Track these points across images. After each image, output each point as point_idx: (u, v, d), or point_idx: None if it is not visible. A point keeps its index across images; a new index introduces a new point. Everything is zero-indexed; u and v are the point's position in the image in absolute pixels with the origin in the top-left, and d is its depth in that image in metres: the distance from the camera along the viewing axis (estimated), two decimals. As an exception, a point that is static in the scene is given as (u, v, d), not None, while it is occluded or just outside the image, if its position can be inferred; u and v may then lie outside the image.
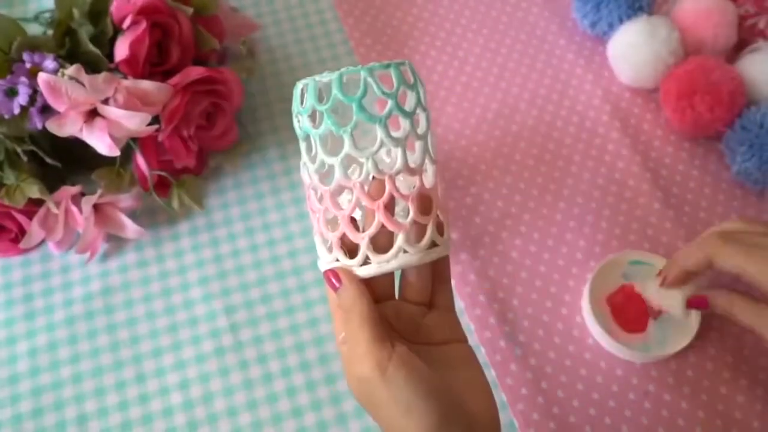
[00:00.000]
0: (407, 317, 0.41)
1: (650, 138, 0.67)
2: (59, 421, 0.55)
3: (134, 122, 0.54)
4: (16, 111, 0.55)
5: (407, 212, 0.39)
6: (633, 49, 0.66)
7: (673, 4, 0.70)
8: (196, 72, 0.58)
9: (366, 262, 0.39)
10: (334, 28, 0.74)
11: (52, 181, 0.59)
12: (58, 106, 0.53)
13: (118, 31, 0.58)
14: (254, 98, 0.70)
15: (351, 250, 0.40)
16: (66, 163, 0.60)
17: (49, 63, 0.55)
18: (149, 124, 0.55)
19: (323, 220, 0.40)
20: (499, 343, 0.57)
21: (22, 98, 0.54)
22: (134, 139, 0.58)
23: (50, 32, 0.59)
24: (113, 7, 0.58)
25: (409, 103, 0.40)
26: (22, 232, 0.60)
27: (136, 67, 0.58)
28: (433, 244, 0.40)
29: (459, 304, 0.59)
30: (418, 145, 0.40)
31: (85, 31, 0.58)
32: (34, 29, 0.64)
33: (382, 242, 0.39)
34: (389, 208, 0.39)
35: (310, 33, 0.74)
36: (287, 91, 0.70)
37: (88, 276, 0.61)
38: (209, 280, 0.60)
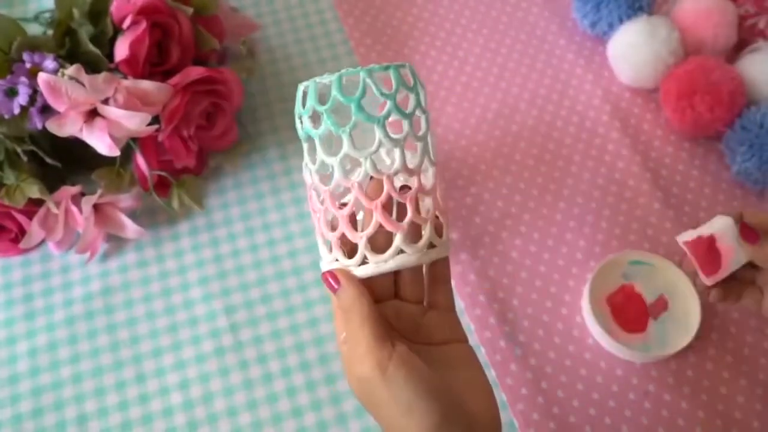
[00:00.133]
0: (407, 317, 0.41)
1: (650, 138, 0.67)
2: (59, 421, 0.55)
3: (134, 122, 0.54)
4: (16, 111, 0.55)
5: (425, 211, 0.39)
6: (633, 49, 0.66)
7: (673, 4, 0.70)
8: (196, 72, 0.58)
9: (364, 261, 0.39)
10: (334, 28, 0.74)
11: (52, 181, 0.59)
12: (58, 106, 0.53)
13: (118, 31, 0.58)
14: (254, 98, 0.70)
15: (350, 251, 0.40)
16: (66, 163, 0.60)
17: (49, 63, 0.55)
18: (149, 124, 0.55)
19: (324, 221, 0.40)
20: (499, 343, 0.57)
21: (22, 98, 0.54)
22: (134, 139, 0.58)
23: (50, 32, 0.59)
24: (113, 7, 0.58)
25: (409, 104, 0.40)
26: (22, 232, 0.60)
27: (136, 67, 0.58)
28: (432, 245, 0.40)
29: (459, 304, 0.59)
30: (417, 146, 0.40)
31: (85, 31, 0.58)
32: (34, 29, 0.64)
33: (380, 242, 0.39)
34: (387, 207, 0.39)
35: (310, 33, 0.74)
36: (287, 91, 0.70)
37: (88, 276, 0.61)
38: (209, 280, 0.60)
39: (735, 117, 0.63)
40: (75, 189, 0.59)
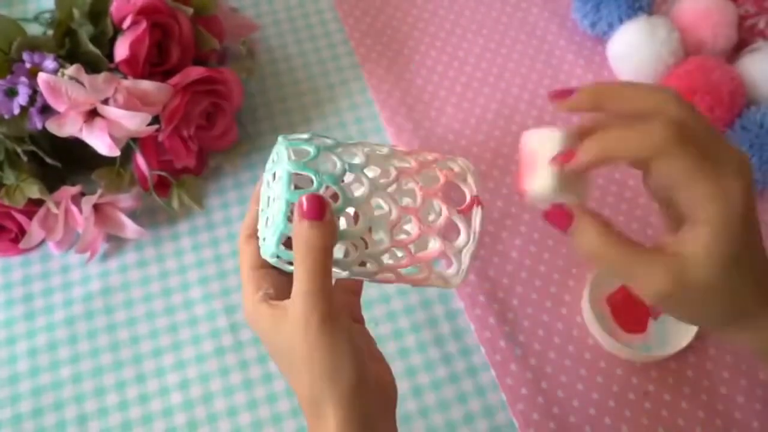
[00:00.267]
0: None
1: (650, 138, 0.67)
2: (59, 421, 0.55)
3: (134, 122, 0.54)
4: (16, 111, 0.55)
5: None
6: (633, 49, 0.66)
7: (673, 4, 0.70)
8: (196, 72, 0.58)
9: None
10: (334, 28, 0.74)
11: (52, 181, 0.59)
12: (58, 106, 0.53)
13: (118, 31, 0.58)
14: (254, 98, 0.70)
15: None
16: (66, 163, 0.60)
17: (49, 63, 0.55)
18: (149, 124, 0.55)
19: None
20: (499, 343, 0.57)
21: (22, 98, 0.54)
22: (134, 139, 0.58)
23: (50, 32, 0.59)
24: (113, 7, 0.58)
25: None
26: (22, 232, 0.60)
27: (136, 67, 0.58)
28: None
29: (459, 304, 0.59)
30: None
31: (85, 31, 0.58)
32: (34, 29, 0.64)
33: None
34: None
35: (310, 33, 0.74)
36: (287, 91, 0.70)
37: (88, 276, 0.61)
38: (209, 280, 0.60)
39: (735, 117, 0.63)
40: (75, 189, 0.59)
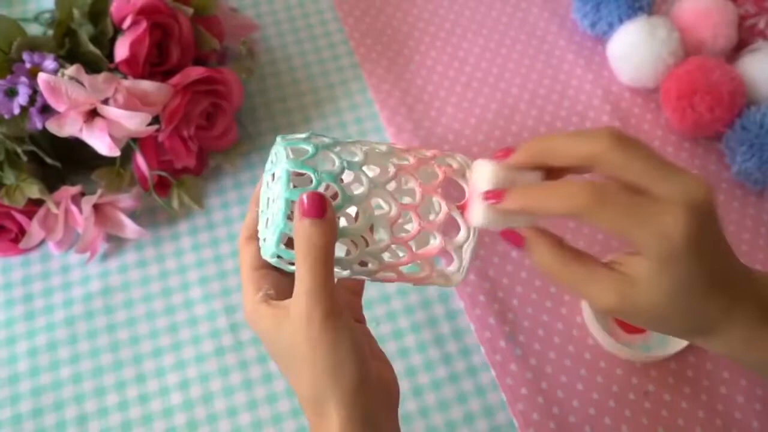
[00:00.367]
0: None
1: (650, 138, 0.67)
2: (59, 421, 0.55)
3: (134, 122, 0.54)
4: (16, 111, 0.55)
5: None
6: (633, 49, 0.66)
7: (673, 4, 0.70)
8: (196, 72, 0.59)
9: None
10: (334, 28, 0.74)
11: (52, 181, 0.59)
12: (58, 106, 0.53)
13: (118, 31, 0.58)
14: (254, 98, 0.70)
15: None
16: (66, 163, 0.60)
17: (49, 63, 0.55)
18: (149, 124, 0.55)
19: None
20: (499, 343, 0.57)
21: (22, 98, 0.54)
22: (134, 139, 0.58)
23: (50, 32, 0.59)
24: (113, 8, 0.58)
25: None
26: (22, 232, 0.60)
27: (136, 67, 0.58)
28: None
29: (459, 304, 0.59)
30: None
31: (85, 32, 0.58)
32: (34, 29, 0.64)
33: None
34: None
35: (310, 33, 0.74)
36: (287, 91, 0.70)
37: (88, 276, 0.61)
38: (209, 280, 0.60)
39: (735, 117, 0.63)
40: (75, 189, 0.59)
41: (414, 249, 0.39)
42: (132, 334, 0.58)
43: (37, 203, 0.59)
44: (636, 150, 0.33)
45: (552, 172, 0.36)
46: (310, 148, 0.37)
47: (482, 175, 0.36)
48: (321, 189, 0.37)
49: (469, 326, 0.58)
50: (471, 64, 0.72)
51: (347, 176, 0.39)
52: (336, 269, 0.38)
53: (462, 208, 0.39)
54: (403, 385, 0.55)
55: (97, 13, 0.59)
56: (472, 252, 0.39)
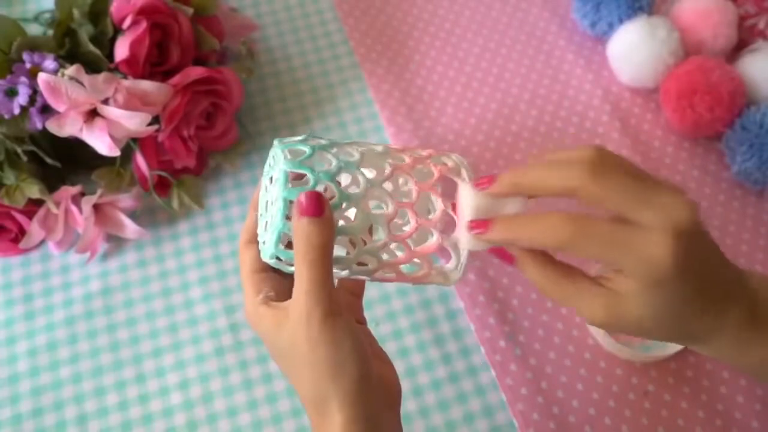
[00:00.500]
0: None
1: (650, 138, 0.67)
2: (59, 421, 0.55)
3: (134, 122, 0.54)
4: (16, 111, 0.55)
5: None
6: (633, 49, 0.66)
7: (673, 4, 0.70)
8: (196, 72, 0.59)
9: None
10: (334, 28, 0.74)
11: (52, 181, 0.59)
12: (58, 106, 0.53)
13: (118, 31, 0.58)
14: (254, 98, 0.70)
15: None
16: (66, 163, 0.60)
17: (49, 63, 0.55)
18: (149, 124, 0.55)
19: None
20: (498, 343, 0.57)
21: (22, 98, 0.54)
22: (134, 139, 0.59)
23: (50, 32, 0.59)
24: (113, 8, 0.58)
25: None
26: (22, 232, 0.60)
27: (136, 67, 0.58)
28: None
29: (459, 304, 0.59)
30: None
31: (85, 32, 0.58)
32: (34, 29, 0.64)
33: None
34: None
35: (310, 33, 0.74)
36: (287, 91, 0.70)
37: (88, 276, 0.61)
38: (209, 280, 0.60)
39: (735, 117, 0.63)
40: (75, 189, 0.59)
41: (412, 247, 0.39)
42: (132, 334, 0.58)
43: (37, 203, 0.59)
44: (613, 179, 0.33)
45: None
46: (306, 149, 0.38)
47: (466, 202, 0.37)
48: (319, 188, 0.37)
49: (469, 326, 0.58)
50: (471, 64, 0.72)
51: (344, 177, 0.39)
52: (335, 269, 0.38)
53: (456, 206, 0.39)
54: (404, 385, 0.55)
55: (97, 13, 0.59)
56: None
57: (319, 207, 0.36)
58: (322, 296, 0.35)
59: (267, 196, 0.40)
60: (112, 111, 0.53)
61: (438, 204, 0.39)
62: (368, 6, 0.75)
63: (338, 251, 0.39)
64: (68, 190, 0.59)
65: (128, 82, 0.55)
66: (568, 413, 0.54)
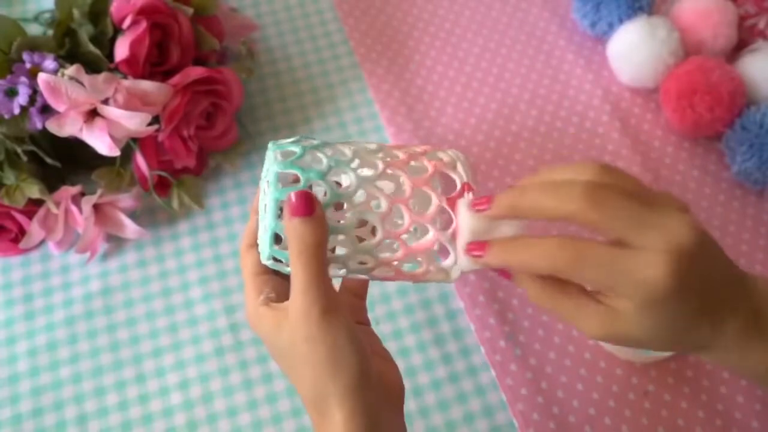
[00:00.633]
0: None
1: (650, 138, 0.67)
2: (59, 421, 0.55)
3: (134, 122, 0.54)
4: (16, 111, 0.55)
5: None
6: (633, 49, 0.66)
7: (673, 4, 0.70)
8: (196, 72, 0.59)
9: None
10: (334, 28, 0.74)
11: (52, 181, 0.59)
12: (58, 106, 0.53)
13: (118, 31, 0.58)
14: (254, 98, 0.70)
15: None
16: (66, 163, 0.60)
17: (49, 63, 0.55)
18: (149, 124, 0.55)
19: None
20: (498, 343, 0.57)
21: (22, 98, 0.54)
22: (134, 139, 0.58)
23: (50, 32, 0.59)
24: (113, 7, 0.58)
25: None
26: (22, 232, 0.60)
27: (136, 67, 0.58)
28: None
29: (459, 304, 0.59)
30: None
31: (85, 31, 0.58)
32: (34, 29, 0.64)
33: None
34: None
35: (310, 33, 0.74)
36: (287, 91, 0.70)
37: (88, 276, 0.61)
38: (209, 280, 0.60)
39: (735, 117, 0.63)
40: (75, 189, 0.59)
41: (408, 244, 0.39)
42: (132, 334, 0.58)
43: (37, 203, 0.59)
44: (610, 203, 0.33)
45: None
46: (298, 150, 0.38)
47: (463, 224, 0.37)
48: (319, 190, 0.37)
49: (469, 326, 0.58)
50: (471, 64, 0.72)
51: (336, 173, 0.39)
52: (333, 269, 0.38)
53: (452, 201, 0.39)
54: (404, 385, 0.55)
55: (97, 13, 0.59)
56: None
57: (309, 206, 0.36)
58: (318, 294, 0.36)
59: (265, 199, 0.40)
60: (112, 111, 0.53)
61: (434, 199, 0.39)
62: (368, 6, 0.75)
63: (339, 251, 0.39)
64: (68, 190, 0.59)
65: (128, 82, 0.55)
66: (568, 413, 0.54)
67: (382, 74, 0.71)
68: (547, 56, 0.72)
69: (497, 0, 0.76)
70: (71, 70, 0.53)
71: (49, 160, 0.58)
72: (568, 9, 0.74)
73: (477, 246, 0.37)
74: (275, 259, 0.39)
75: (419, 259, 0.39)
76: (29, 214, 0.59)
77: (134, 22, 0.57)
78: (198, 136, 0.62)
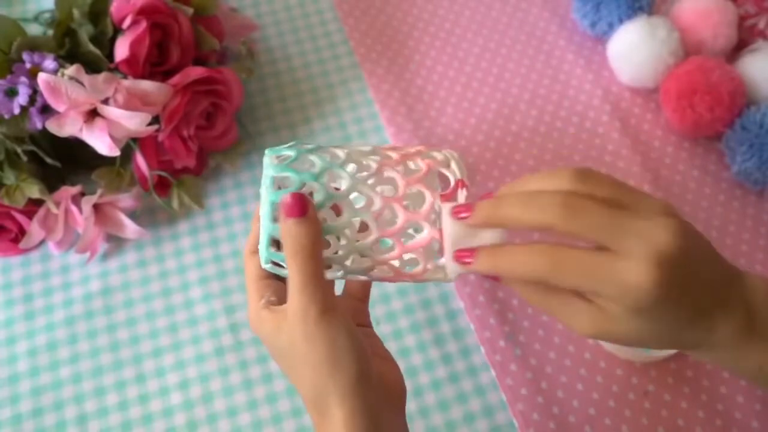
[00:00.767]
0: None
1: (650, 138, 0.67)
2: (59, 421, 0.55)
3: (134, 122, 0.54)
4: (16, 111, 0.55)
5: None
6: (633, 49, 0.66)
7: (673, 4, 0.70)
8: (196, 72, 0.59)
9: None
10: (334, 28, 0.74)
11: (52, 181, 0.59)
12: (58, 106, 0.53)
13: (118, 31, 0.58)
14: (254, 98, 0.70)
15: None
16: (66, 163, 0.60)
17: (49, 63, 0.55)
18: (149, 124, 0.55)
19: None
20: (499, 343, 0.57)
21: (22, 98, 0.54)
22: (134, 139, 0.58)
23: (50, 32, 0.59)
24: (113, 7, 0.58)
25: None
26: (22, 232, 0.60)
27: (136, 67, 0.58)
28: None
29: (459, 304, 0.59)
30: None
31: (85, 31, 0.58)
32: (34, 29, 0.64)
33: None
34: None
35: (310, 33, 0.74)
36: (287, 91, 0.70)
37: (88, 276, 0.61)
38: (209, 280, 0.60)
39: (735, 117, 0.63)
40: (75, 189, 0.59)
41: (404, 242, 0.39)
42: (132, 334, 0.58)
43: (37, 203, 0.59)
44: (587, 214, 0.33)
45: None
46: (292, 153, 0.39)
47: (447, 230, 0.37)
48: (317, 194, 0.37)
49: (469, 326, 0.58)
50: (471, 64, 0.72)
51: (332, 177, 0.40)
52: (330, 270, 0.39)
53: (448, 197, 0.39)
54: (403, 385, 0.55)
55: (97, 13, 0.59)
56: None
57: (302, 207, 0.36)
58: (315, 294, 0.36)
59: (263, 205, 0.40)
60: (112, 111, 0.53)
61: (427, 197, 0.39)
62: (368, 6, 0.75)
63: (337, 252, 0.39)
64: (68, 190, 0.59)
65: (128, 82, 0.55)
66: (568, 413, 0.54)
67: (382, 74, 0.71)
68: (547, 56, 0.72)
69: (497, 0, 0.76)
70: (71, 70, 0.53)
71: (49, 160, 0.58)
72: (568, 9, 0.74)
73: (464, 254, 0.37)
74: (275, 263, 0.39)
75: (416, 257, 0.39)
76: (29, 214, 0.59)
77: (134, 22, 0.57)
78: (198, 136, 0.62)
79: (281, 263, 0.39)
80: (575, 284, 0.34)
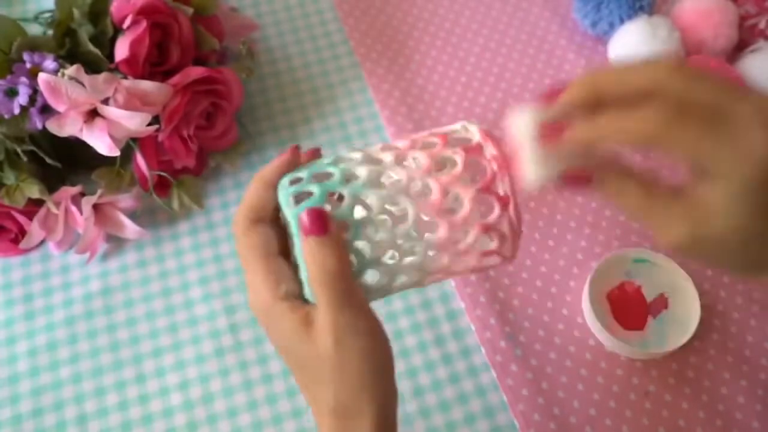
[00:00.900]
0: None
1: (651, 138, 0.67)
2: (59, 421, 0.55)
3: (134, 122, 0.54)
4: (16, 111, 0.55)
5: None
6: (634, 49, 0.66)
7: (674, 4, 0.70)
8: (196, 72, 0.58)
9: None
10: (334, 28, 0.74)
11: (52, 181, 0.59)
12: (58, 106, 0.53)
13: (118, 31, 0.58)
14: (254, 98, 0.70)
15: None
16: (66, 163, 0.60)
17: (49, 63, 0.55)
18: (149, 124, 0.55)
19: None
20: (499, 343, 0.57)
21: (22, 98, 0.54)
22: (134, 139, 0.58)
23: (50, 32, 0.59)
24: (113, 7, 0.58)
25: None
26: (22, 232, 0.60)
27: (136, 67, 0.58)
28: None
29: (460, 304, 0.59)
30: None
31: (85, 31, 0.58)
32: (34, 29, 0.64)
33: None
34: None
35: (310, 33, 0.74)
36: (287, 91, 0.70)
37: (88, 276, 0.61)
38: (209, 280, 0.60)
39: (736, 117, 0.63)
40: (75, 189, 0.59)
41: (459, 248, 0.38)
42: (132, 334, 0.58)
43: (37, 203, 0.58)
44: (700, 73, 0.31)
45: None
46: (303, 175, 0.37)
47: (528, 124, 0.34)
48: (348, 209, 0.36)
49: (470, 326, 0.58)
50: (471, 63, 0.72)
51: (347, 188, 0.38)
52: (376, 294, 0.38)
53: (485, 189, 0.37)
54: (404, 386, 0.55)
55: (97, 13, 0.59)
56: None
57: (321, 224, 0.34)
58: (347, 317, 0.34)
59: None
60: (112, 111, 0.53)
61: (465, 200, 0.37)
62: (368, 6, 0.75)
63: (371, 276, 0.38)
64: (68, 190, 0.59)
65: (128, 82, 0.55)
66: (569, 414, 0.54)
67: (382, 74, 0.71)
68: (548, 56, 0.72)
69: (497, 0, 0.76)
70: (71, 70, 0.53)
71: (49, 160, 0.58)
72: (568, 9, 0.74)
73: (553, 130, 0.33)
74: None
75: (469, 231, 0.37)
76: (29, 214, 0.59)
77: (134, 22, 0.57)
78: (198, 136, 0.62)
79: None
80: (691, 144, 0.31)
